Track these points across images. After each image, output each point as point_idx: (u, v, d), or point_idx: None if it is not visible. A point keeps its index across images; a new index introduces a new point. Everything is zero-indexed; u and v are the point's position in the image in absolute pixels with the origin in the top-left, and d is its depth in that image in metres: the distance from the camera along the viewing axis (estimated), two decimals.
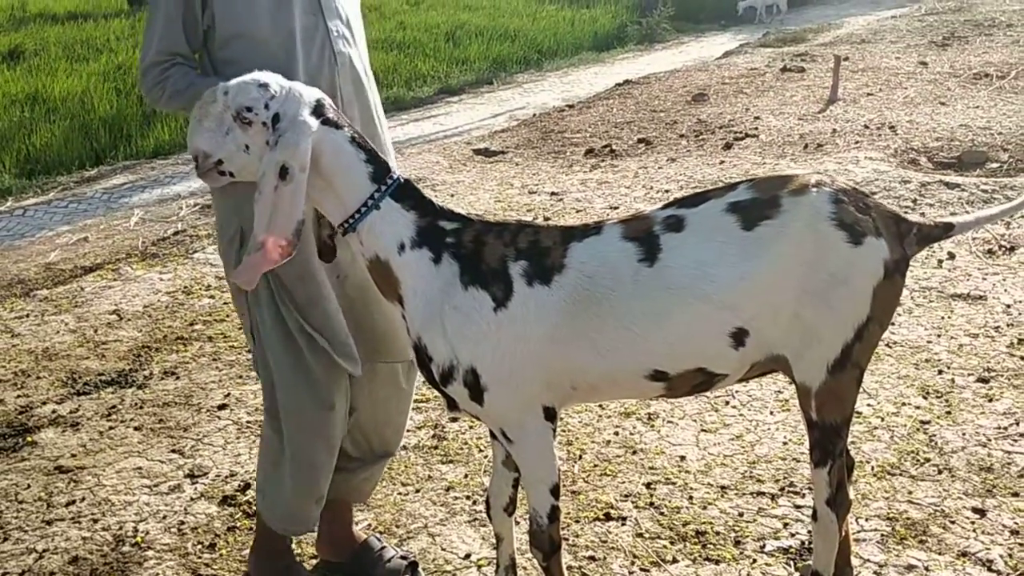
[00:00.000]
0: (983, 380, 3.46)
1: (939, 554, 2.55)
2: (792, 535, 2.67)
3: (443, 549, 2.73)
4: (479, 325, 1.90)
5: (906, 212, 5.03)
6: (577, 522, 2.81)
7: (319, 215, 2.04)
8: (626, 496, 2.92)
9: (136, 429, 3.55)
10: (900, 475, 2.92)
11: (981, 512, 2.71)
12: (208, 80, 2.10)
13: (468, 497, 2.98)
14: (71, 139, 8.43)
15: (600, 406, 3.46)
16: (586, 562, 2.62)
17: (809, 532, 2.54)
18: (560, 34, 14.33)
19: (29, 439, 3.50)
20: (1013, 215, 4.83)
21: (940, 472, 2.92)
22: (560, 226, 2.01)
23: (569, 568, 2.55)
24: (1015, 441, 3.05)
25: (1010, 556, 2.52)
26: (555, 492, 2.06)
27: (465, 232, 1.96)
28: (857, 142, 6.82)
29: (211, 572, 2.70)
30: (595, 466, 3.11)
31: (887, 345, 3.75)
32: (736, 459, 3.08)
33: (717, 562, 2.59)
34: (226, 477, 3.18)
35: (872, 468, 2.97)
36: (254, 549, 2.56)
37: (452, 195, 6.39)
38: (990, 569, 2.48)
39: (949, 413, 3.26)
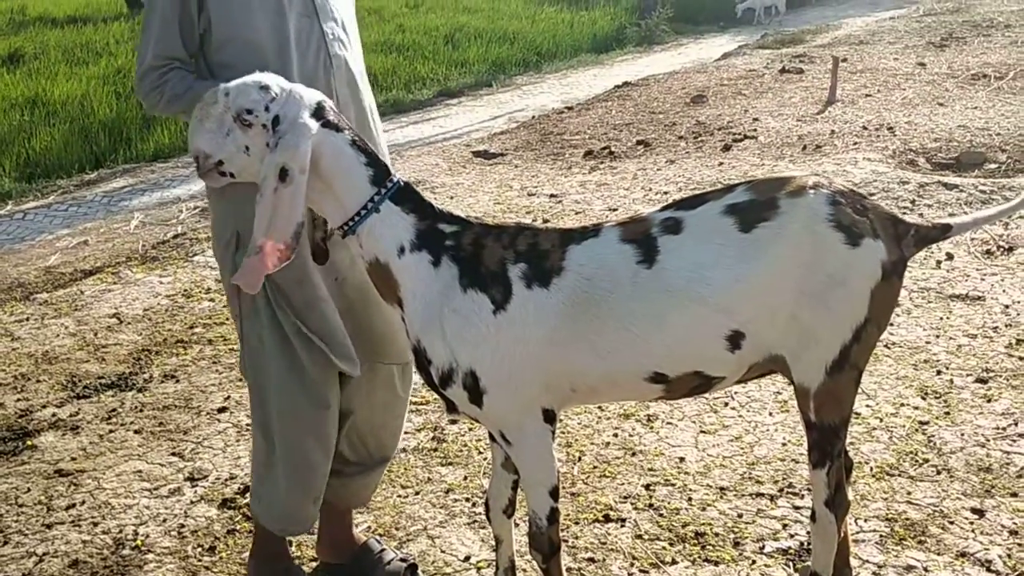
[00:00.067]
0: (982, 380, 3.46)
1: (938, 554, 2.55)
2: (791, 536, 2.68)
3: (443, 551, 2.74)
4: (478, 328, 1.91)
5: (904, 213, 5.05)
6: (576, 524, 2.81)
7: (312, 216, 2.05)
8: (625, 498, 2.93)
9: (136, 432, 3.55)
10: (899, 476, 2.93)
11: (980, 512, 2.71)
12: (206, 84, 2.09)
13: (468, 499, 2.98)
14: (71, 143, 8.44)
15: (599, 408, 3.47)
16: (585, 564, 2.63)
17: (808, 533, 2.54)
18: (559, 36, 14.35)
19: (29, 443, 3.50)
20: (1011, 215, 4.84)
21: (939, 473, 2.93)
22: (559, 228, 2.02)
23: (568, 570, 2.55)
24: (1014, 441, 3.06)
25: (1009, 556, 2.52)
26: (554, 494, 2.06)
27: (464, 235, 1.97)
28: (855, 143, 6.83)
29: (211, 575, 2.70)
30: (594, 468, 3.11)
31: (886, 346, 3.76)
32: (735, 460, 3.09)
33: (716, 563, 2.59)
34: (226, 480, 3.19)
35: (871, 469, 2.97)
36: (253, 553, 2.56)
37: (451, 197, 6.39)
38: (989, 569, 2.48)
39: (948, 414, 3.26)
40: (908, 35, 12.18)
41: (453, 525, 2.86)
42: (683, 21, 16.30)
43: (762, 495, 2.88)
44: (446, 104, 10.57)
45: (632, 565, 2.61)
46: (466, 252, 1.95)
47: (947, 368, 3.58)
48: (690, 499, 2.89)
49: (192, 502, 3.07)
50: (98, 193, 7.40)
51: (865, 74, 9.57)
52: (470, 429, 3.39)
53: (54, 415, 3.70)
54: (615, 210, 5.81)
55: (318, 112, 1.92)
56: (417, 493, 3.04)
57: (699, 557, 2.62)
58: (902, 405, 3.34)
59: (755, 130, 7.53)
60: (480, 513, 2.85)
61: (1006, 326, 3.88)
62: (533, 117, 9.25)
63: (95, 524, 2.97)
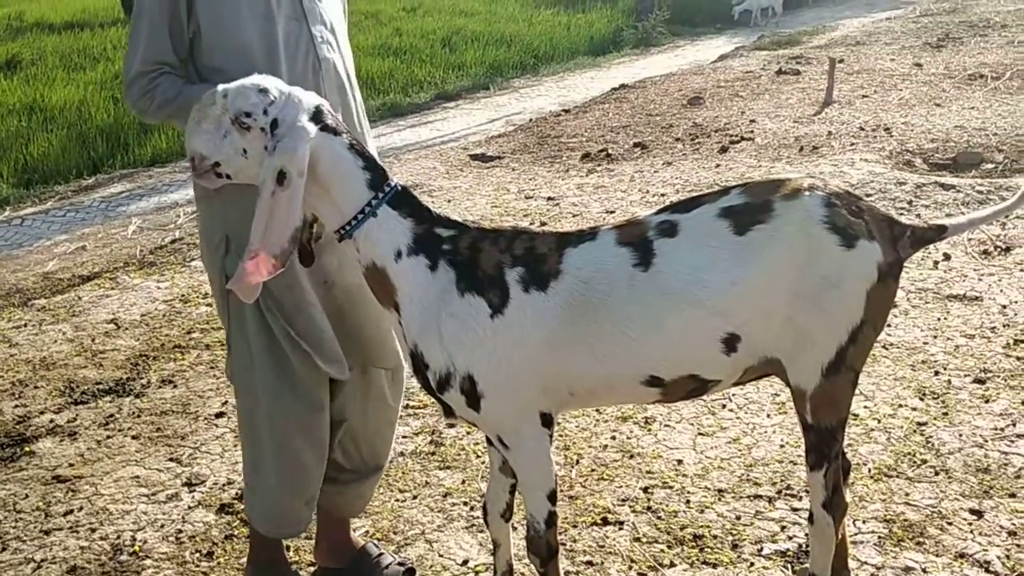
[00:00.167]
0: (979, 381, 3.46)
1: (936, 556, 2.55)
2: (789, 538, 2.67)
3: (440, 555, 2.73)
4: (475, 332, 1.91)
5: (901, 214, 5.05)
6: (574, 527, 2.81)
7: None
8: (623, 500, 2.93)
9: (134, 438, 3.55)
10: (897, 477, 2.93)
11: (978, 513, 2.71)
12: (196, 88, 2.09)
13: (465, 503, 2.98)
14: (68, 148, 8.45)
15: (597, 411, 3.46)
16: (584, 567, 2.62)
17: (806, 535, 2.54)
18: (556, 39, 14.37)
19: (27, 449, 3.50)
20: (1007, 215, 4.85)
21: (937, 473, 2.93)
22: (556, 232, 2.02)
23: (567, 573, 2.55)
24: (1012, 442, 3.06)
25: (1007, 557, 2.52)
26: (552, 498, 2.06)
27: (461, 239, 1.97)
28: (852, 144, 6.84)
29: None
30: (592, 471, 3.11)
31: (883, 347, 3.76)
32: (733, 462, 3.09)
33: (715, 566, 2.59)
34: (223, 485, 3.19)
35: (869, 470, 2.97)
36: (250, 559, 2.56)
37: (449, 201, 6.40)
38: (987, 570, 2.48)
39: (946, 414, 3.26)
40: (905, 36, 12.19)
41: (451, 529, 2.85)
42: (680, 23, 16.31)
43: (760, 497, 2.88)
44: (443, 107, 10.58)
45: (630, 568, 2.61)
46: (463, 256, 1.95)
47: (945, 369, 3.58)
48: (688, 501, 2.89)
49: (190, 507, 3.07)
50: (96, 199, 7.40)
51: (862, 75, 9.58)
52: (468, 433, 3.39)
53: (52, 421, 3.70)
54: (612, 212, 5.82)
55: (316, 116, 1.92)
56: (415, 497, 3.04)
57: (697, 559, 2.62)
58: (900, 406, 3.35)
59: (752, 132, 7.54)
60: (478, 517, 2.85)
61: (1004, 326, 3.88)
62: (530, 120, 9.26)
63: (93, 530, 2.97)
